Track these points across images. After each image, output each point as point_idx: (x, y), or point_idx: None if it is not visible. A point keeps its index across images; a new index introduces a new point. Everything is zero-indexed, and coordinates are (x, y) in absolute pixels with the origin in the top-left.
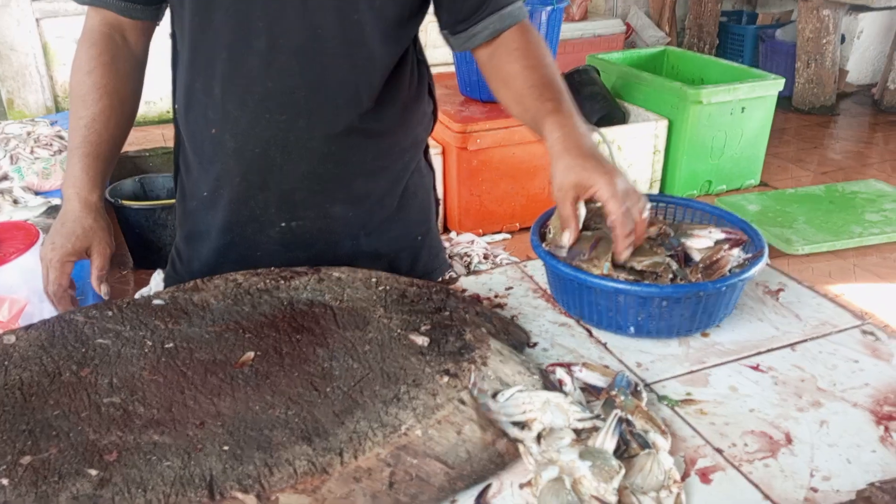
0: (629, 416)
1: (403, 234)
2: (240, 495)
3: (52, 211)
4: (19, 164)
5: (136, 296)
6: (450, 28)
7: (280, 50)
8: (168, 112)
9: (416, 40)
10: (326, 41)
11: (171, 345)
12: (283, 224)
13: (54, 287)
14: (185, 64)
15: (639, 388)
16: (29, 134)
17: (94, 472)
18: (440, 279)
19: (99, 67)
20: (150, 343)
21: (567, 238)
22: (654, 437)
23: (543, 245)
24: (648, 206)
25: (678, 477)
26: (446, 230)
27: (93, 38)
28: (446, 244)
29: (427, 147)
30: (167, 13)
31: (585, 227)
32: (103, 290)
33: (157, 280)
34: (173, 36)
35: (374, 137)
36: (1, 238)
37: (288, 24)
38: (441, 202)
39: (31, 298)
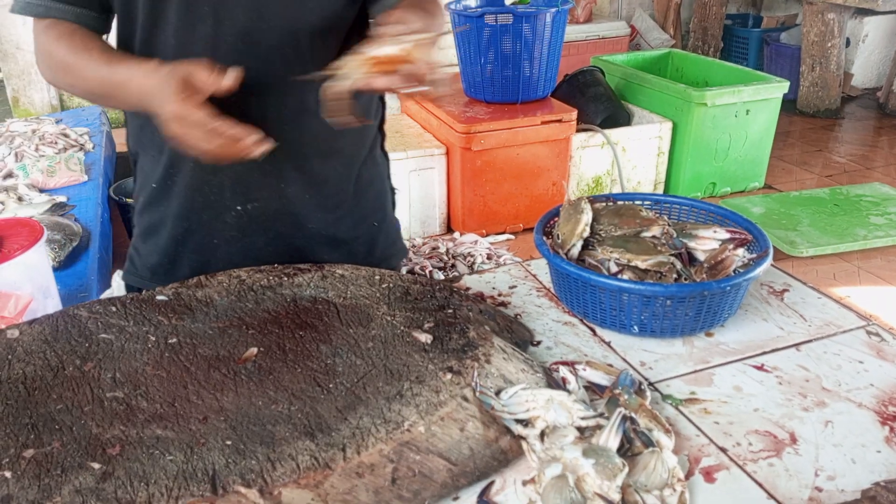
0: (633, 415)
1: (360, 220)
2: (242, 489)
3: (57, 208)
4: (24, 161)
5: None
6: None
7: (225, 33)
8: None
9: (365, 24)
10: (270, 21)
11: (174, 340)
12: (238, 207)
13: (210, 122)
14: (137, 56)
15: (643, 387)
16: (34, 132)
17: (96, 465)
18: (396, 265)
19: (77, 33)
20: (153, 338)
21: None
22: (657, 435)
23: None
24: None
25: (682, 475)
26: (450, 230)
27: (52, 31)
28: (450, 244)
29: (382, 137)
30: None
31: (592, 232)
32: (229, 79)
33: (117, 281)
34: (121, 44)
35: (322, 120)
36: (5, 234)
37: (232, 6)
38: (397, 191)
39: (35, 295)
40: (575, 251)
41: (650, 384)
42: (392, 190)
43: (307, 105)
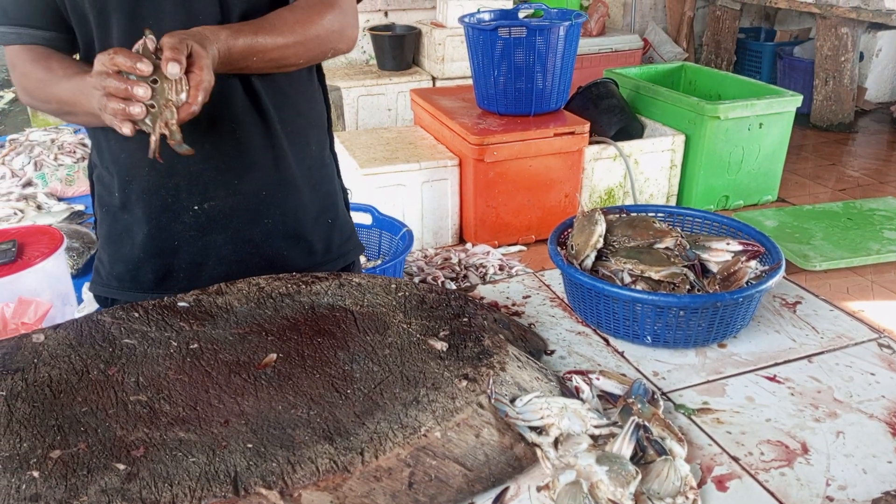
0: (646, 423)
1: (314, 217)
2: (263, 491)
3: (76, 216)
4: (43, 170)
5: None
6: None
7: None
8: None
9: None
10: (205, 24)
11: (195, 346)
12: (195, 207)
13: (117, 61)
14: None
15: (656, 397)
16: (53, 141)
17: (121, 466)
18: (355, 260)
19: (52, 55)
20: (175, 344)
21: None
22: (670, 444)
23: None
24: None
25: (694, 483)
26: (462, 241)
27: (28, 56)
28: (462, 255)
29: (331, 140)
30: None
31: (605, 243)
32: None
33: (85, 292)
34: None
35: (268, 112)
36: (25, 242)
37: (169, 14)
38: (350, 192)
39: (54, 301)
40: (589, 262)
41: (663, 394)
42: (343, 190)
43: (247, 102)
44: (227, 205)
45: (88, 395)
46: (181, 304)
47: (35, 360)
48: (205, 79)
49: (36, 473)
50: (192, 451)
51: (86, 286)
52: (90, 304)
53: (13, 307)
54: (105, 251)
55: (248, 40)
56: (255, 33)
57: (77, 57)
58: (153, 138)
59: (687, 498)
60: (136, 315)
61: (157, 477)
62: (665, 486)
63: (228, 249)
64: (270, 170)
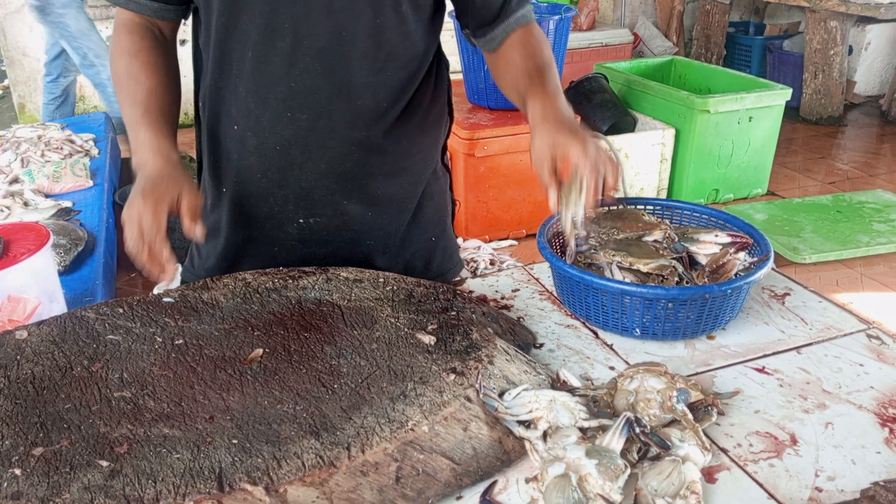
0: (641, 418)
1: (419, 235)
2: (248, 487)
3: (63, 213)
4: (30, 167)
5: (155, 290)
6: (472, 31)
7: (304, 51)
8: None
9: (438, 45)
10: (350, 43)
11: (181, 341)
12: (300, 221)
13: (151, 232)
14: (211, 63)
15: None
16: (40, 138)
17: (105, 463)
18: (454, 279)
19: (144, 50)
20: (160, 339)
21: (553, 200)
22: (690, 448)
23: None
24: (624, 171)
25: (699, 489)
26: None
27: (130, 27)
28: None
29: (445, 149)
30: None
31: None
32: (198, 232)
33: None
34: (196, 36)
35: (392, 140)
36: (11, 239)
37: (313, 26)
38: (458, 204)
39: (41, 299)
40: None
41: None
42: (454, 202)
43: (375, 127)
44: (332, 224)
45: (72, 391)
46: (166, 299)
47: (18, 357)
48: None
49: (18, 471)
50: (176, 447)
51: (178, 266)
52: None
53: (0, 304)
54: (204, 242)
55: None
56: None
57: (182, 29)
58: None
59: (687, 501)
60: (121, 311)
61: (141, 473)
62: (664, 484)
63: (326, 263)
64: (381, 193)
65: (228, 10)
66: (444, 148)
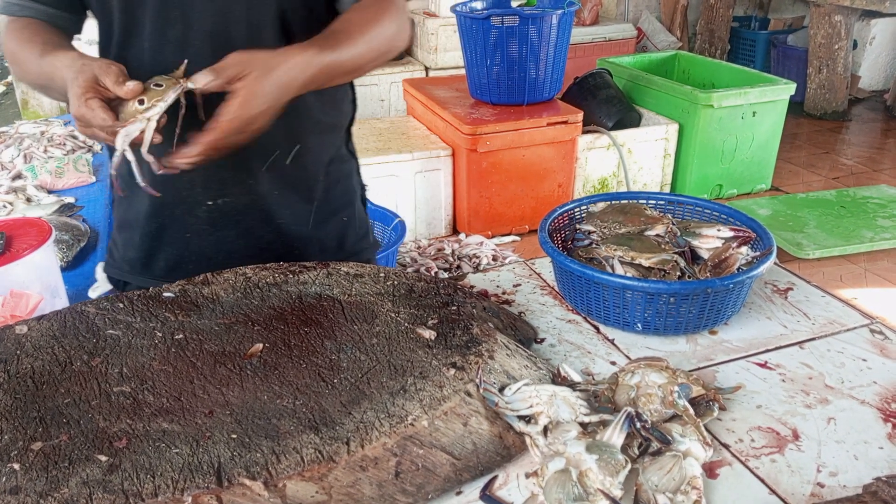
0: (642, 413)
1: (329, 215)
2: (247, 482)
3: (65, 209)
4: (33, 162)
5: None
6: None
7: (194, 35)
8: None
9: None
10: (236, 24)
11: (181, 336)
12: (209, 202)
13: (95, 121)
14: (115, 59)
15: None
16: (42, 133)
17: (103, 458)
18: (370, 259)
19: (33, 24)
20: (160, 334)
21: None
22: (691, 443)
23: None
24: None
25: (700, 485)
26: (455, 231)
27: (22, 24)
28: (455, 245)
29: (349, 137)
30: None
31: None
32: (130, 85)
33: (99, 272)
34: (101, 44)
35: (291, 116)
36: (14, 234)
37: (200, 9)
38: (367, 187)
39: (43, 294)
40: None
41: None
42: (362, 186)
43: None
44: (240, 202)
45: (71, 386)
46: (166, 294)
47: (18, 352)
48: (212, 140)
49: (17, 466)
50: (175, 441)
51: (100, 266)
52: (104, 285)
53: (3, 299)
54: (119, 235)
55: (333, 57)
56: (335, 47)
57: (80, 38)
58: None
59: (688, 496)
60: (121, 306)
61: (140, 468)
62: (665, 480)
63: (239, 245)
64: (288, 170)
65: (125, 8)
66: (349, 135)
